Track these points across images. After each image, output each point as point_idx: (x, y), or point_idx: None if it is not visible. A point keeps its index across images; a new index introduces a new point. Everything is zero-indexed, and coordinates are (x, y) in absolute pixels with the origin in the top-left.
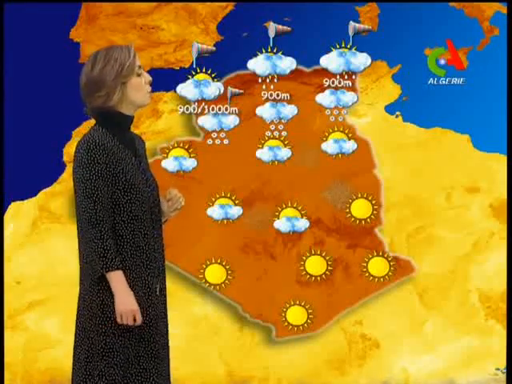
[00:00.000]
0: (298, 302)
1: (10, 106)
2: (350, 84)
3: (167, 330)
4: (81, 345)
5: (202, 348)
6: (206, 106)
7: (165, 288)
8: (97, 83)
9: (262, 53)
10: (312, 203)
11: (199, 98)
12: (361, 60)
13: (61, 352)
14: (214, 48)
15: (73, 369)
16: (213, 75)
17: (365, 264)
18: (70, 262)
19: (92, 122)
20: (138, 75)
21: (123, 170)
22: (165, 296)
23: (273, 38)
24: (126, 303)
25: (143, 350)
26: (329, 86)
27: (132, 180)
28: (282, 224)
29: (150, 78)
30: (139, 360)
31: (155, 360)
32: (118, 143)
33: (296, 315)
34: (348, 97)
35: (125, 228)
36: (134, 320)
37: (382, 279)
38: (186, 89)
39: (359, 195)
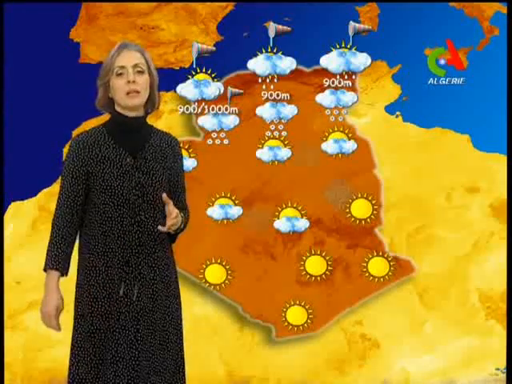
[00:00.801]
0: (298, 302)
1: (10, 105)
2: (350, 84)
3: (154, 339)
4: None
5: (202, 348)
6: (205, 106)
7: (147, 294)
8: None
9: (262, 53)
10: (312, 203)
11: (199, 98)
12: (361, 60)
13: (61, 352)
14: (214, 48)
15: None
16: (213, 75)
17: (365, 264)
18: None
19: (93, 121)
20: (118, 75)
21: (102, 170)
22: (147, 302)
23: (273, 38)
24: (45, 305)
25: (108, 353)
26: (329, 86)
27: (110, 181)
28: (282, 224)
29: (130, 78)
30: (103, 362)
31: (119, 365)
32: (113, 142)
33: (296, 315)
34: (348, 97)
35: (97, 228)
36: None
37: (382, 279)
38: (186, 89)
39: (359, 195)
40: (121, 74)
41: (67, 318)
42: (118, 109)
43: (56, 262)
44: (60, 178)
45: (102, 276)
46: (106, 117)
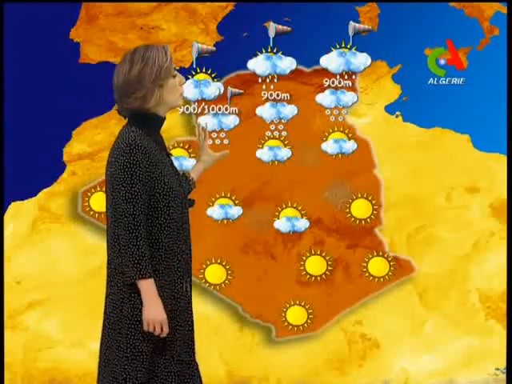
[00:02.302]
0: (298, 302)
1: (10, 105)
2: (350, 84)
3: (193, 330)
4: (110, 346)
5: (202, 348)
6: (205, 106)
7: (191, 288)
8: (135, 84)
9: (262, 53)
10: (312, 203)
11: (199, 98)
12: (361, 60)
13: (61, 352)
14: (214, 48)
15: (101, 368)
16: (213, 75)
17: (365, 264)
18: (69, 262)
19: (93, 121)
20: (174, 76)
21: (161, 172)
22: (191, 296)
23: (273, 38)
24: (154, 312)
25: (169, 353)
26: (329, 86)
27: (170, 183)
28: (281, 224)
29: (184, 79)
30: (165, 363)
31: (181, 364)
32: (155, 144)
33: (296, 315)
34: (348, 97)
35: (161, 232)
36: (162, 330)
37: (381, 279)
38: (186, 89)
39: (359, 195)
40: (175, 75)
41: (67, 318)
42: (161, 110)
43: (149, 271)
44: (124, 183)
45: (164, 279)
46: (106, 117)
